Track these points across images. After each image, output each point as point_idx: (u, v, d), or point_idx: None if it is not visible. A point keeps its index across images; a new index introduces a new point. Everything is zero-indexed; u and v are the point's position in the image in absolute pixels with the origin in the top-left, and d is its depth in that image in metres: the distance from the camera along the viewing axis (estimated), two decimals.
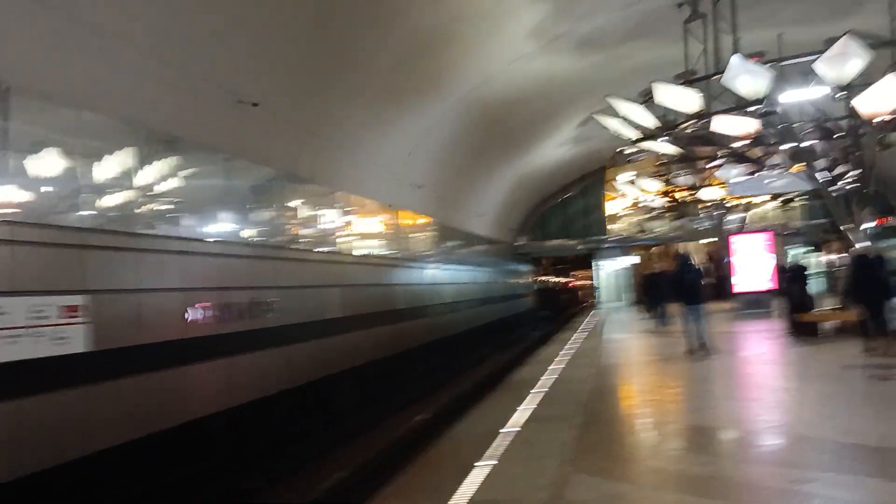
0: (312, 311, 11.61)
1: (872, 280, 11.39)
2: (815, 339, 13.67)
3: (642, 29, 15.08)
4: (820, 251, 28.49)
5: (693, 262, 13.72)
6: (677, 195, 23.04)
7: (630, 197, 25.54)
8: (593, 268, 36.66)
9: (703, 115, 11.86)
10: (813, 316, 14.41)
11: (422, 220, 19.94)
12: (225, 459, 8.98)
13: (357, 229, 14.99)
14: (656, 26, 14.72)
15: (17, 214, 6.41)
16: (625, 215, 32.42)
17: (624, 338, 18.00)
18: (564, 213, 34.25)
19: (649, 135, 13.13)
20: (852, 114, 11.07)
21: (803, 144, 13.19)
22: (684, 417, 8.15)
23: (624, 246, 33.39)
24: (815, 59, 9.85)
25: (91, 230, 7.19)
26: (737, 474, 5.49)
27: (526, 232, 34.20)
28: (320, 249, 12.92)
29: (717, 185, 21.47)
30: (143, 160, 8.26)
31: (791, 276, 15.89)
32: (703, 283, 13.32)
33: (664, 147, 13.90)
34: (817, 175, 14.28)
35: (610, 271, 35.75)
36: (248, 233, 10.70)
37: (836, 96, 10.30)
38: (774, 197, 23.25)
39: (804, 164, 14.45)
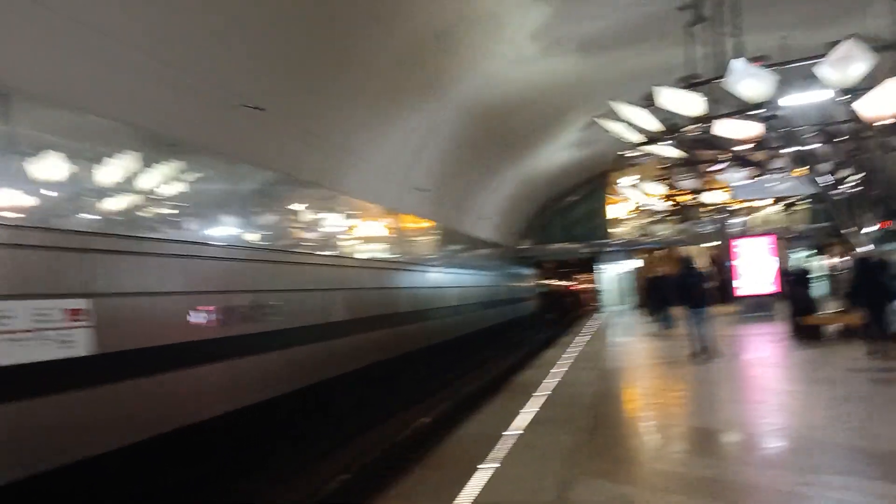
0: (315, 314, 11.61)
1: (874, 283, 11.39)
2: (819, 342, 13.65)
3: (644, 32, 15.08)
4: (823, 255, 28.44)
5: (696, 266, 13.72)
6: (680, 199, 23.03)
7: (633, 200, 25.54)
8: (596, 271, 36.61)
9: (706, 119, 11.85)
10: (816, 319, 14.38)
11: (424, 224, 19.95)
12: (229, 461, 8.98)
13: (359, 233, 15.00)
14: (658, 29, 14.72)
15: (20, 218, 6.42)
16: (628, 219, 32.39)
17: (627, 341, 17.98)
18: (567, 217, 34.23)
19: (652, 138, 13.12)
20: (855, 117, 11.05)
21: (806, 148, 13.18)
22: (688, 420, 8.14)
23: (627, 249, 33.35)
24: (818, 63, 9.85)
25: (94, 233, 7.21)
26: (742, 477, 5.48)
27: (529, 235, 34.17)
28: (323, 253, 12.94)
29: (720, 188, 21.47)
30: (145, 163, 8.27)
31: (794, 280, 15.88)
32: (706, 286, 13.31)
33: (667, 151, 13.89)
34: (820, 179, 14.27)
35: (613, 275, 35.70)
36: (250, 236, 10.70)
37: (840, 100, 10.29)
38: (777, 200, 23.24)
39: (807, 167, 14.44)
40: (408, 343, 15.96)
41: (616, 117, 12.85)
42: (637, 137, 13.20)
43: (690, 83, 12.46)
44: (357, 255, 14.58)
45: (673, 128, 13.01)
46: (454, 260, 22.20)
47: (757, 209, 25.09)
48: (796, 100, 11.43)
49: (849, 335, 13.34)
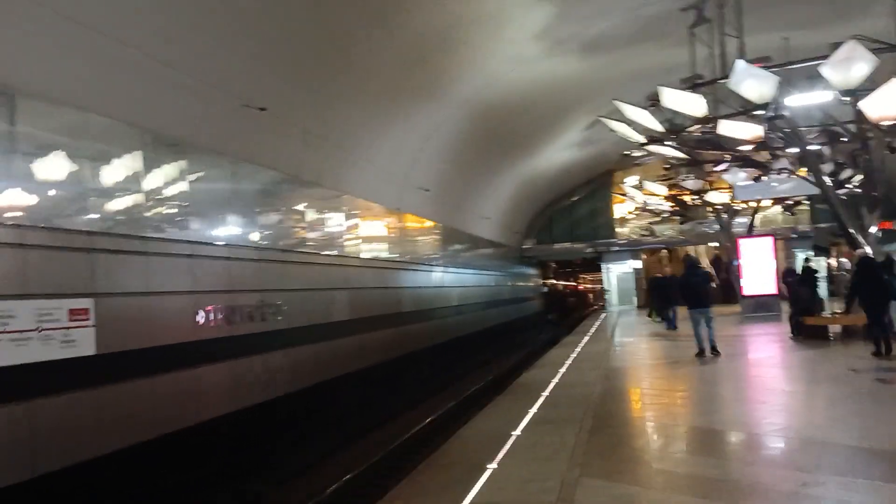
0: (318, 313, 11.64)
1: (877, 283, 11.38)
2: (822, 342, 13.63)
3: (647, 33, 15.08)
4: (827, 255, 28.38)
5: (701, 266, 13.71)
6: (684, 198, 23.02)
7: (637, 200, 25.52)
8: (601, 271, 36.57)
9: (710, 119, 11.86)
10: (820, 319, 14.37)
11: (427, 224, 19.96)
12: (236, 459, 9.01)
13: (361, 232, 15.02)
14: (661, 30, 14.73)
15: (26, 218, 6.43)
16: (632, 218, 32.35)
17: (632, 341, 17.95)
18: (571, 217, 34.19)
19: (656, 138, 13.13)
20: (859, 117, 11.05)
21: (809, 148, 13.17)
22: (693, 420, 8.13)
23: (631, 249, 33.30)
24: (822, 63, 9.85)
25: (99, 233, 7.23)
26: (745, 477, 5.47)
27: (532, 235, 34.17)
28: (326, 253, 12.96)
29: (724, 188, 21.45)
30: (150, 163, 8.29)
31: (800, 280, 15.87)
32: (710, 286, 13.30)
33: (671, 151, 13.90)
34: (824, 179, 14.25)
35: (618, 274, 35.67)
36: (254, 236, 10.72)
37: (843, 100, 10.29)
38: (780, 200, 23.21)
39: (810, 167, 14.43)
40: (410, 343, 15.98)
41: (620, 117, 12.88)
42: (641, 137, 13.22)
43: (694, 84, 12.47)
44: (359, 255, 14.61)
45: (676, 128, 13.02)
46: (456, 260, 22.21)
47: (761, 209, 25.07)
48: (800, 100, 11.43)
49: (852, 335, 13.34)
